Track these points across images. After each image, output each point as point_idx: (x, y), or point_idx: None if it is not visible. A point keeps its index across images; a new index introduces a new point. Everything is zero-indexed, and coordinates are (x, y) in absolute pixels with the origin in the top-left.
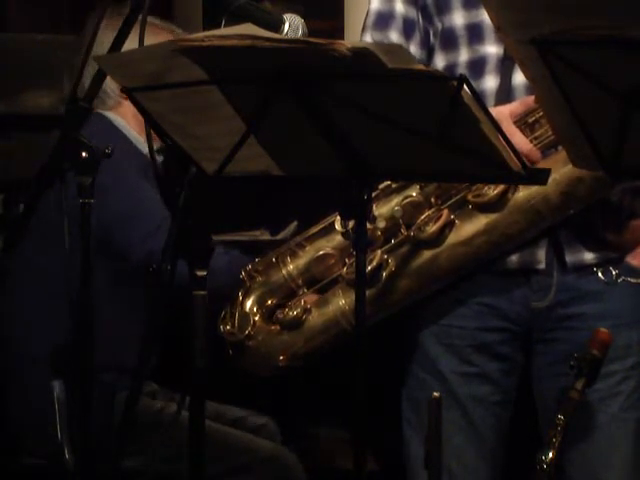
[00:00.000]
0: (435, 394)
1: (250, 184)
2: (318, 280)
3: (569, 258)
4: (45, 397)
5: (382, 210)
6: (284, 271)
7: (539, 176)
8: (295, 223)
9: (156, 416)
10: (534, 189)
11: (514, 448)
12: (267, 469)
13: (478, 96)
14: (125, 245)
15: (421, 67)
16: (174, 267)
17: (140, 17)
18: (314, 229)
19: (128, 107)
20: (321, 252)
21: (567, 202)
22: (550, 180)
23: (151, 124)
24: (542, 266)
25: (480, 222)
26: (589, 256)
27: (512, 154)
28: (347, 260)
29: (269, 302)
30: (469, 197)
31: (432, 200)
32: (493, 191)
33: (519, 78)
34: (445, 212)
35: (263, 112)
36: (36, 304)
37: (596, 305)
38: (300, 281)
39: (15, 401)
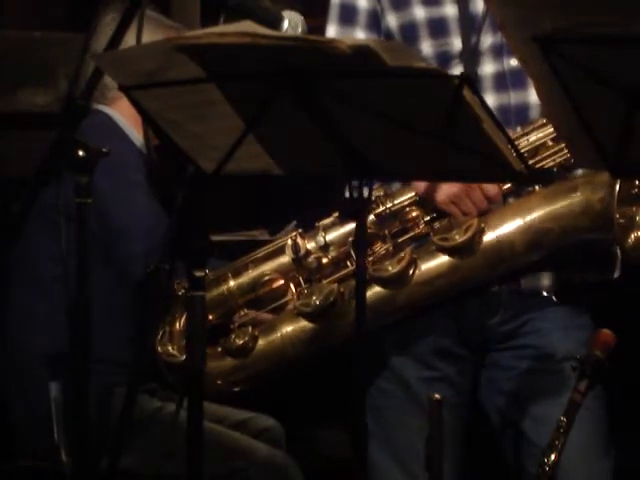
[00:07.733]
0: (436, 396)
1: (249, 184)
2: (260, 301)
3: (525, 285)
4: (42, 398)
5: (333, 238)
6: (224, 288)
7: (542, 177)
8: (294, 223)
9: (154, 414)
10: (502, 235)
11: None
12: (263, 472)
13: (480, 95)
14: (127, 255)
15: (422, 65)
16: (172, 267)
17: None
18: (263, 251)
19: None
20: (266, 277)
21: (532, 250)
22: (516, 228)
23: (149, 122)
24: (495, 289)
25: (443, 264)
26: (545, 282)
27: (515, 153)
28: (294, 286)
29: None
30: (435, 239)
31: (385, 233)
32: (460, 237)
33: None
34: (408, 252)
35: (262, 110)
36: (34, 304)
37: (541, 311)
38: (240, 301)
39: (13, 402)
